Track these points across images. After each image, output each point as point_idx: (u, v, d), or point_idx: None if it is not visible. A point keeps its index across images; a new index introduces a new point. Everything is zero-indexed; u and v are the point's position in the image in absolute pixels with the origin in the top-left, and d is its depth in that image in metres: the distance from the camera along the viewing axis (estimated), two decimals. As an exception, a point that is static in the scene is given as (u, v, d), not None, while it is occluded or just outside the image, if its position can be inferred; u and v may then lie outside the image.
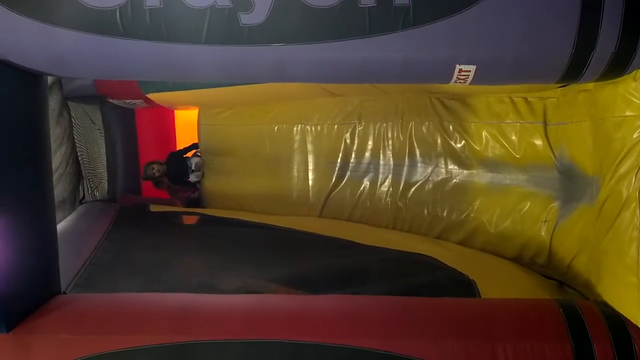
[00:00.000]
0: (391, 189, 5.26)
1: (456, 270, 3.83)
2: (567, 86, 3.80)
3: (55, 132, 5.28)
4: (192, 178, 6.34)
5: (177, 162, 6.43)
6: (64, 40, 2.60)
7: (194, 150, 6.54)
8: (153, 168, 6.32)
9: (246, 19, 2.51)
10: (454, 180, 4.93)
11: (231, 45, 2.58)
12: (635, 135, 2.77)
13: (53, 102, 5.27)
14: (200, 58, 2.66)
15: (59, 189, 5.38)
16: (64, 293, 3.22)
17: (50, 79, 5.11)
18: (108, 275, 4.08)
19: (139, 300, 3.01)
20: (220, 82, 4.84)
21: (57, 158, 5.34)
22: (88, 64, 2.77)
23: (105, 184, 5.99)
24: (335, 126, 5.56)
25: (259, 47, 2.58)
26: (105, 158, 5.99)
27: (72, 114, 5.61)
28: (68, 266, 3.74)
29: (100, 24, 2.55)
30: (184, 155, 6.53)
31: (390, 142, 5.29)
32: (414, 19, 2.49)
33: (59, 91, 5.42)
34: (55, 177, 5.27)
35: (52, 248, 3.09)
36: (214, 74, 2.85)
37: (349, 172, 5.50)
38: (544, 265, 4.19)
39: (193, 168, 6.30)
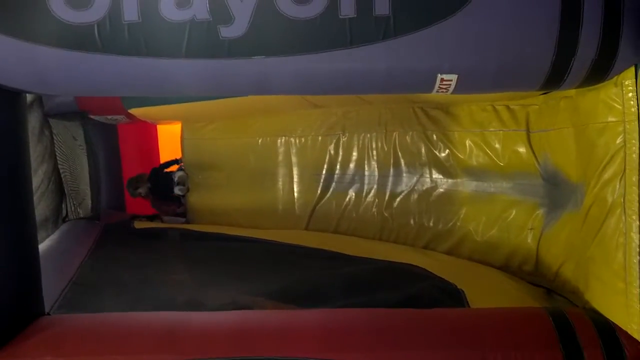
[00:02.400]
0: (377, 199, 5.25)
1: (444, 279, 3.81)
2: (549, 93, 3.81)
3: (36, 150, 5.23)
4: (177, 192, 6.29)
5: (160, 178, 6.39)
6: (43, 57, 2.58)
7: (176, 166, 6.49)
8: (140, 194, 6.30)
9: (226, 32, 2.49)
10: (439, 190, 4.92)
11: (211, 58, 2.57)
12: (618, 141, 2.76)
13: (33, 120, 5.22)
14: (180, 72, 2.64)
15: (42, 207, 5.33)
16: (48, 314, 3.16)
17: (30, 97, 5.07)
18: (93, 294, 4.02)
19: (125, 319, 2.96)
20: (202, 95, 4.81)
21: (39, 176, 5.29)
22: (67, 81, 2.74)
23: (88, 201, 5.93)
24: (319, 138, 5.55)
25: (239, 60, 2.56)
26: (88, 175, 5.93)
27: (54, 131, 5.55)
28: (52, 286, 3.69)
29: (79, 40, 2.53)
30: (166, 170, 6.48)
31: (374, 152, 5.28)
32: (395, 29, 2.49)
33: (40, 108, 5.37)
34: (37, 195, 5.21)
35: (34, 269, 3.03)
36: (195, 87, 2.83)
37: (334, 183, 5.49)
38: (532, 273, 4.18)
39: (177, 181, 6.25)
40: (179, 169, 6.40)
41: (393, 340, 2.69)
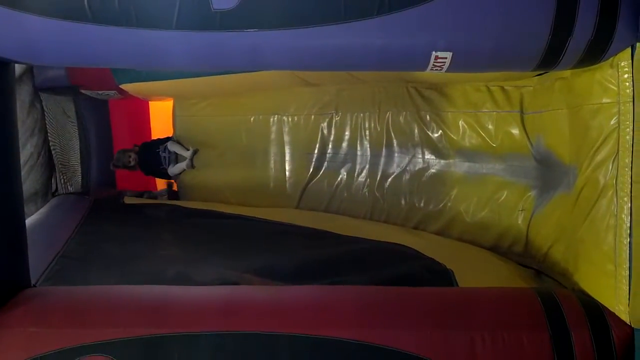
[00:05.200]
0: (368, 179, 5.23)
1: (434, 259, 3.82)
2: (544, 74, 3.80)
3: (26, 123, 5.19)
4: (173, 171, 6.21)
5: (150, 155, 6.30)
6: (31, 26, 2.53)
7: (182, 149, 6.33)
8: (129, 156, 6.20)
9: (218, 3, 2.45)
10: (431, 170, 4.91)
11: (203, 31, 2.53)
12: (612, 123, 2.75)
13: (24, 93, 5.17)
14: (171, 44, 2.60)
15: (31, 181, 5.29)
16: (34, 286, 3.14)
17: (20, 69, 5.02)
18: (80, 268, 4.00)
19: (111, 292, 2.94)
20: (194, 70, 4.77)
21: (28, 149, 5.25)
22: (56, 50, 2.70)
23: (78, 177, 5.89)
24: (312, 116, 5.51)
25: (231, 32, 2.52)
26: (78, 150, 5.89)
27: (44, 105, 5.50)
28: (39, 259, 3.68)
29: (68, 9, 2.49)
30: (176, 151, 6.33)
31: (367, 132, 5.26)
32: (390, 4, 2.46)
33: (30, 81, 5.31)
34: (26, 169, 5.18)
35: (20, 241, 3.01)
36: (186, 60, 2.79)
37: (326, 162, 5.46)
38: (521, 254, 4.19)
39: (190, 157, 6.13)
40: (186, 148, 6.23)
41: (381, 318, 2.69)
